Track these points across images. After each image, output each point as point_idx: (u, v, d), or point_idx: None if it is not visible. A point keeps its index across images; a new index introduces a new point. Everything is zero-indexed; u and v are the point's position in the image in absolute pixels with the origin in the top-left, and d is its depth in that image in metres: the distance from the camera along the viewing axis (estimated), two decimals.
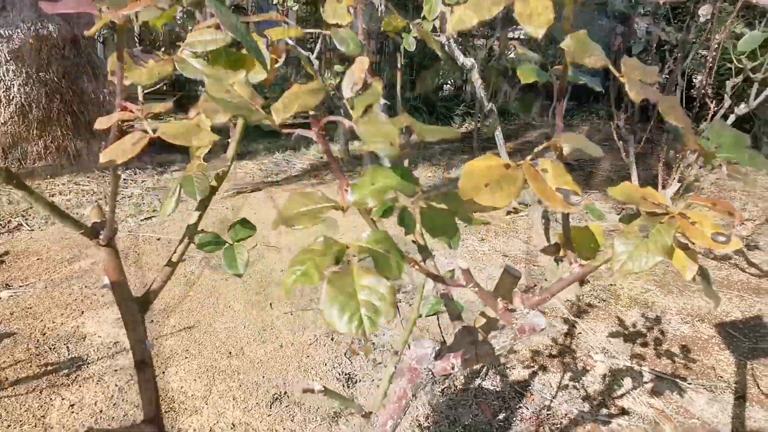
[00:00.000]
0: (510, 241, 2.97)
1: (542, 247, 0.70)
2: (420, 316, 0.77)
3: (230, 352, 1.81)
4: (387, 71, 8.06)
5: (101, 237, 0.61)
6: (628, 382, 1.78)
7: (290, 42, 0.94)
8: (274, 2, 5.25)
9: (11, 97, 3.66)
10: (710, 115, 3.24)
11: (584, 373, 1.82)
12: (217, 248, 0.70)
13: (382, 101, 0.70)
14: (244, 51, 0.69)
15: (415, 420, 1.53)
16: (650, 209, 0.58)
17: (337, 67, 4.84)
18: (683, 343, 2.02)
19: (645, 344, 2.02)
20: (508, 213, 3.43)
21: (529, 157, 0.55)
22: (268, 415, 1.52)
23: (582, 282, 2.45)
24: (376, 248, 0.35)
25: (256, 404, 1.56)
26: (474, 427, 1.52)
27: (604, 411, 1.63)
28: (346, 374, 1.72)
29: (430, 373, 0.55)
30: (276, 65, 0.73)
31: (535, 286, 2.40)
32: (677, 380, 1.80)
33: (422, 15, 1.64)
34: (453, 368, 0.53)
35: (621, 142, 3.17)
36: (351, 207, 0.39)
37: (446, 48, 2.34)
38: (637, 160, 4.39)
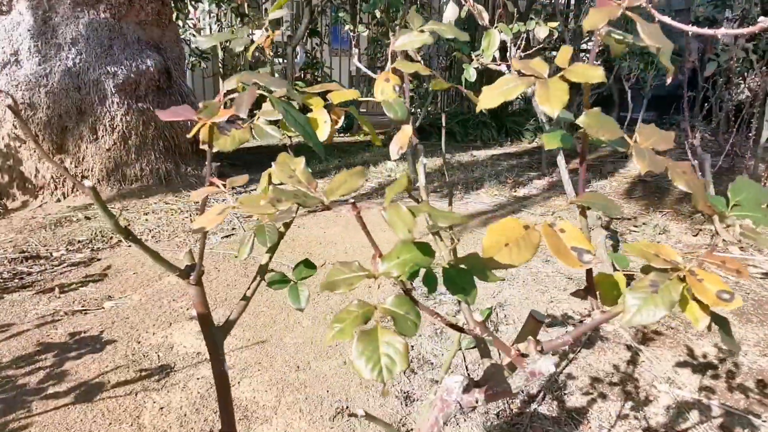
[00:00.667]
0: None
1: (573, 291, 0.77)
2: (460, 348, 0.85)
3: (298, 366, 1.96)
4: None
5: (192, 277, 0.75)
6: (694, 416, 1.73)
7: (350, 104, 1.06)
8: (345, 28, 5.50)
9: (115, 126, 4.12)
10: None
11: (646, 403, 1.79)
12: (284, 286, 0.82)
13: (425, 160, 0.79)
14: (309, 115, 0.82)
15: None
16: (662, 266, 0.63)
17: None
18: (760, 377, 1.93)
19: (716, 376, 1.94)
20: None
21: (548, 220, 0.62)
22: (331, 428, 1.64)
23: None
24: (397, 311, 0.45)
25: (320, 417, 1.69)
26: None
27: None
28: (404, 392, 1.81)
29: (458, 405, 0.63)
30: (336, 126, 0.85)
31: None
32: (750, 416, 1.72)
33: (482, 48, 1.72)
34: (477, 402, 0.61)
35: (695, 161, 3.05)
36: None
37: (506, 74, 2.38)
38: (722, 174, 4.16)
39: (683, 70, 4.14)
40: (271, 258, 0.83)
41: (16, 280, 2.74)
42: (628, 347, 2.10)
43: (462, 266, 0.55)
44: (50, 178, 3.98)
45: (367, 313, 0.45)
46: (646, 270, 0.72)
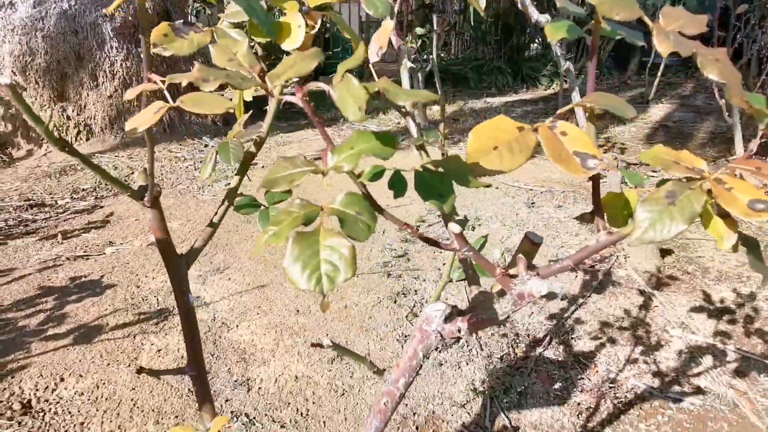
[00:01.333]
0: (589, 208, 2.82)
1: (578, 215, 0.67)
2: (450, 280, 0.77)
3: (298, 310, 1.92)
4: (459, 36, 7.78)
5: (146, 198, 0.67)
6: (708, 361, 1.66)
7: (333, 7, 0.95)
8: None
9: (115, 72, 4.01)
10: None
11: (658, 348, 1.72)
12: (253, 211, 0.74)
13: (409, 64, 0.69)
14: (282, 19, 0.71)
15: (470, 384, 1.54)
16: (684, 174, 0.53)
17: (418, 30, 4.76)
18: None
19: (733, 321, 1.86)
20: (590, 179, 3.24)
21: (548, 120, 0.53)
22: (329, 371, 1.60)
23: (665, 253, 2.29)
24: (347, 210, 0.36)
25: (318, 360, 1.65)
26: (529, 393, 1.51)
27: (677, 389, 1.54)
28: (405, 335, 1.76)
29: (438, 335, 0.55)
30: (312, 31, 0.74)
31: (611, 256, 2.27)
32: (767, 361, 1.65)
33: None
34: (459, 331, 0.53)
35: (723, 100, 2.86)
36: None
37: (519, 4, 2.21)
38: (750, 118, 3.94)
39: (713, 8, 3.84)
40: (240, 181, 0.74)
41: (21, 227, 2.73)
42: (641, 292, 2.02)
43: (439, 170, 0.46)
44: (53, 126, 3.91)
45: (311, 213, 0.36)
46: (662, 185, 0.62)
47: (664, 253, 2.29)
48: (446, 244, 0.46)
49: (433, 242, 0.45)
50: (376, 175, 0.45)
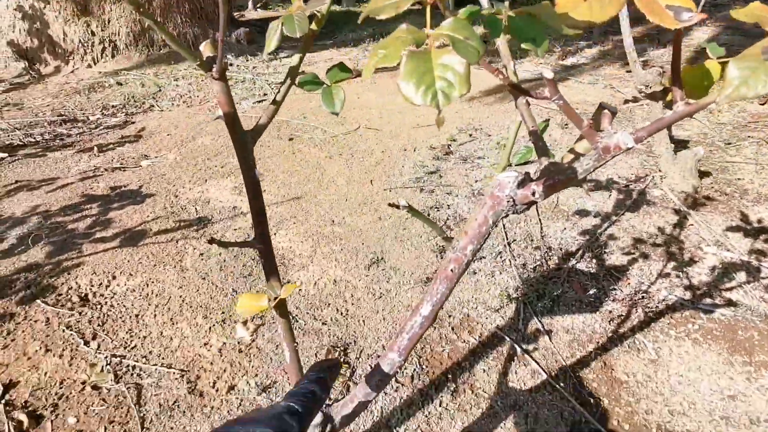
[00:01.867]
0: (629, 129, 2.74)
1: (649, 92, 0.65)
2: (510, 164, 0.77)
3: (333, 221, 1.96)
4: None
5: (214, 69, 0.67)
6: (741, 276, 1.67)
7: None
8: None
9: None
10: None
11: (691, 263, 1.73)
12: (317, 87, 0.74)
13: None
14: None
15: (504, 291, 1.59)
16: None
17: None
18: None
19: None
20: (626, 102, 3.14)
21: None
22: (366, 276, 1.66)
23: (703, 174, 2.25)
24: (456, 35, 0.36)
25: (355, 266, 1.70)
26: (562, 300, 1.55)
27: (708, 301, 1.57)
28: (440, 246, 1.80)
29: (511, 200, 0.56)
30: None
31: (646, 176, 2.23)
32: None
33: None
34: (534, 194, 0.54)
35: None
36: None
37: None
38: None
39: None
40: (302, 58, 0.73)
41: (57, 141, 2.78)
42: (676, 211, 2.00)
43: (531, 14, 0.44)
44: (78, 42, 3.88)
45: (419, 38, 0.36)
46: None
47: (702, 174, 2.25)
48: (538, 93, 0.45)
49: (522, 90, 0.45)
50: (472, 14, 0.44)
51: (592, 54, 4.50)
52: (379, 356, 1.32)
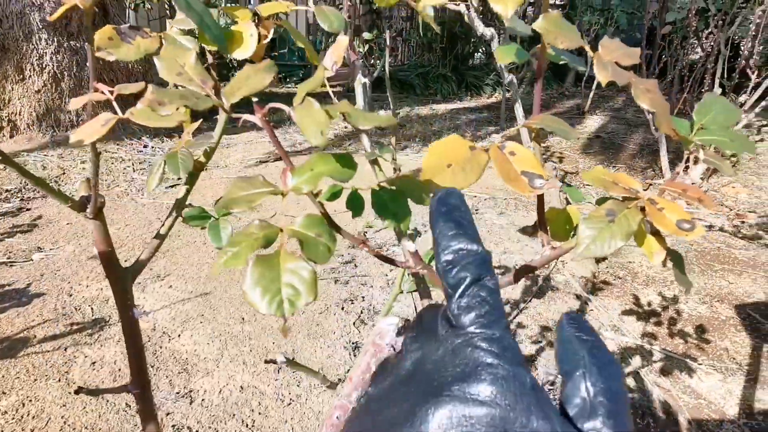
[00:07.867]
0: (530, 215, 2.93)
1: (521, 228, 0.70)
2: (401, 292, 0.78)
3: (243, 318, 1.88)
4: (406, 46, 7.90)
5: (88, 210, 0.64)
6: (636, 361, 1.77)
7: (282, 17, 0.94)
8: None
9: (44, 66, 3.77)
10: (750, 87, 3.08)
11: None
12: (204, 222, 0.72)
13: (364, 80, 0.70)
14: (233, 28, 0.70)
15: None
16: (621, 194, 0.57)
17: (366, 35, 4.78)
18: (699, 323, 1.99)
19: (659, 323, 1.99)
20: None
21: (497, 140, 0.55)
22: (276, 380, 1.58)
23: (599, 259, 2.42)
24: (307, 233, 0.36)
25: (264, 369, 1.62)
26: None
27: None
28: (353, 343, 1.77)
29: (392, 348, 0.56)
30: (264, 41, 0.73)
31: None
32: (688, 360, 1.78)
33: None
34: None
35: (650, 115, 3.06)
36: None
37: (466, 18, 2.28)
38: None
39: (641, 28, 4.11)
40: (189, 191, 0.72)
41: None
42: (578, 297, 2.12)
43: (394, 188, 0.47)
44: None
45: (270, 235, 0.36)
46: (601, 202, 0.66)
47: (599, 259, 2.42)
48: (402, 262, 0.47)
49: (389, 260, 0.46)
50: (335, 194, 0.45)
51: (500, 139, 4.85)
52: None
